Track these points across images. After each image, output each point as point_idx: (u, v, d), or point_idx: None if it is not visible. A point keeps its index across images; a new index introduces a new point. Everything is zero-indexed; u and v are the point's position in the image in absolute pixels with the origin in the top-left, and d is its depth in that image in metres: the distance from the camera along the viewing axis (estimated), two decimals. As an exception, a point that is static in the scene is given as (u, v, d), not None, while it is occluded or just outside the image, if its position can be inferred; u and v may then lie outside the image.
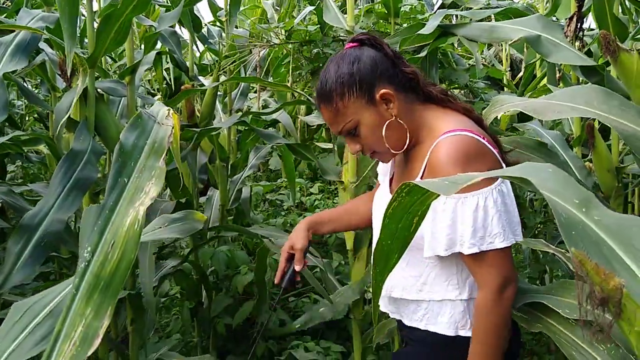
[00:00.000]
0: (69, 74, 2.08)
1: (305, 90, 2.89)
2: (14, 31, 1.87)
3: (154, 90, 3.92)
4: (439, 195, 0.94)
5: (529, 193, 3.07)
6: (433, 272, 1.34)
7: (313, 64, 2.70)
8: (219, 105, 3.16)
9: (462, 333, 1.32)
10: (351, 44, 1.36)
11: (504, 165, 1.29)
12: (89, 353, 0.69)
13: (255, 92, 4.29)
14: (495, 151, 1.29)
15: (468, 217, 1.20)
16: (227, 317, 2.87)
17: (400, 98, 1.31)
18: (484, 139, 1.27)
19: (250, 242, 3.31)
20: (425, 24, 1.93)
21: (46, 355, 0.71)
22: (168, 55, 2.86)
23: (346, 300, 2.23)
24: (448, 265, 1.32)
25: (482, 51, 4.08)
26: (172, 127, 0.91)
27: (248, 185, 3.47)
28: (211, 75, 3.07)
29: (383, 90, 1.29)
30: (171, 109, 1.00)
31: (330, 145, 4.62)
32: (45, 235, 1.63)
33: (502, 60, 4.05)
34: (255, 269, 2.67)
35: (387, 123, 1.30)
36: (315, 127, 4.23)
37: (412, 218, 1.11)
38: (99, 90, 2.13)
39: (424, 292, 1.35)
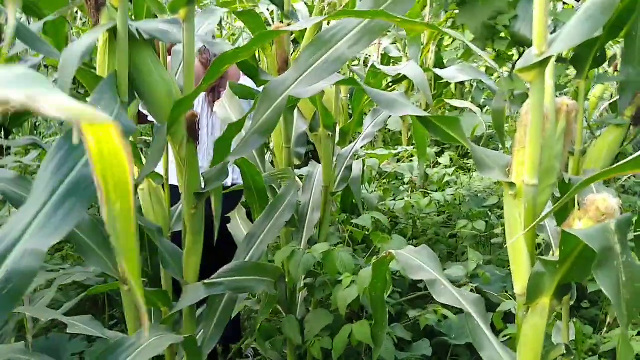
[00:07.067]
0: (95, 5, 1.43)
1: (449, 27, 2.00)
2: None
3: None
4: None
5: None
6: None
7: (464, -9, 1.81)
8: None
9: None
10: None
11: None
12: None
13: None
14: None
15: None
16: (326, 337, 2.18)
17: None
18: None
19: (359, 233, 2.54)
20: None
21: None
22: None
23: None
24: None
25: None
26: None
27: (360, 159, 2.67)
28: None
29: None
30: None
31: (466, 104, 3.63)
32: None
33: None
34: (371, 283, 1.88)
35: None
36: (445, 81, 3.30)
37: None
38: (142, 33, 1.44)
39: None
